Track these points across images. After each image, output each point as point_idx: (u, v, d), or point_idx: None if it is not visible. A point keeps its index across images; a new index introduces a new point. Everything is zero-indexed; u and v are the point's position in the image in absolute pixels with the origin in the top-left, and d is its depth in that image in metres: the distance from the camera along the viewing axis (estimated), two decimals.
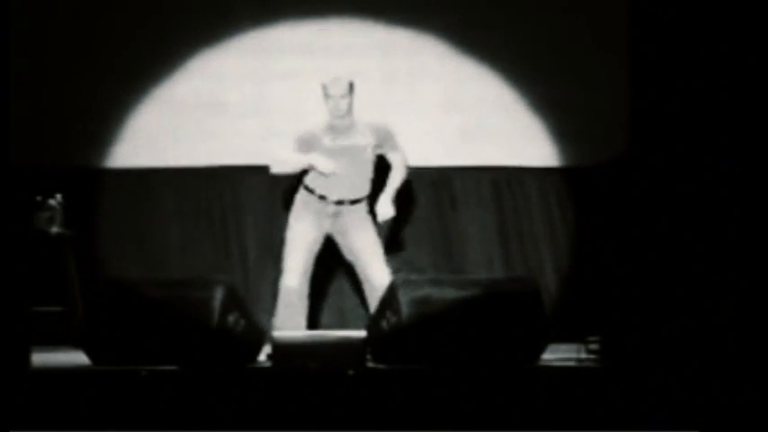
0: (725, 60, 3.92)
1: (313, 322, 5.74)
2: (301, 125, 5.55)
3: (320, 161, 5.30)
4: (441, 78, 6.43)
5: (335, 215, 5.38)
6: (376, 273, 5.29)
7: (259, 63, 6.38)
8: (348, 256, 5.47)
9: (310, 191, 5.40)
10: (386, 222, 5.47)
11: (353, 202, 5.40)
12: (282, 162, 5.42)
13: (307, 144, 5.40)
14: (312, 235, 5.38)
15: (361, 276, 5.41)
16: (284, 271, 5.36)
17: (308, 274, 5.37)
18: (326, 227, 5.41)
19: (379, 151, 5.47)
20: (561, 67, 6.35)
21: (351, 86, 5.38)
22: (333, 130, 5.38)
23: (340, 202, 5.38)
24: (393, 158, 5.50)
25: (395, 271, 5.46)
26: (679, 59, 3.99)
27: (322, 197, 5.38)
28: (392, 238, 6.16)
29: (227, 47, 6.37)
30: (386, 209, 5.39)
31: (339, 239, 5.45)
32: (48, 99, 6.19)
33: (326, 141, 5.37)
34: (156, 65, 6.32)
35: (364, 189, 5.44)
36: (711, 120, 3.93)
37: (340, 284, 6.30)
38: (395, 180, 5.47)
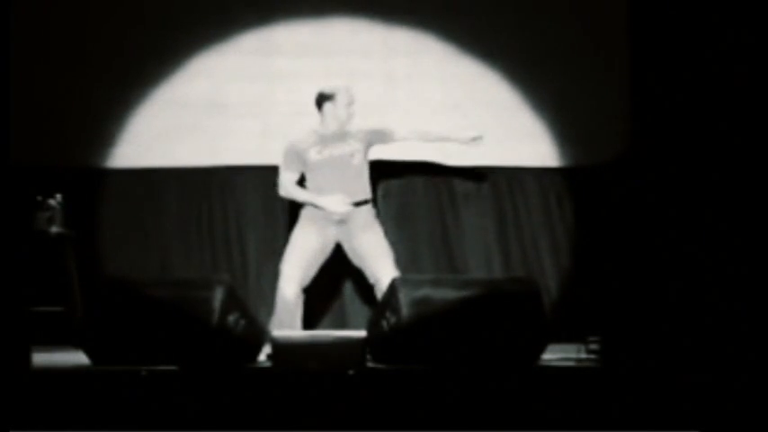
0: (725, 60, 3.92)
1: (313, 323, 5.73)
2: (301, 125, 5.55)
3: (330, 204, 5.31)
4: (441, 79, 6.43)
5: (341, 222, 5.36)
6: (386, 274, 5.16)
7: (259, 63, 6.38)
8: (355, 260, 5.42)
9: (314, 205, 5.38)
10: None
11: (357, 204, 5.38)
12: (292, 196, 5.46)
13: (298, 157, 5.40)
14: (316, 244, 5.35)
15: (372, 279, 5.36)
16: (281, 278, 5.33)
17: (306, 282, 5.35)
18: (332, 235, 5.38)
19: (383, 143, 5.47)
20: (561, 67, 6.35)
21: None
22: (320, 141, 5.39)
23: None
24: (401, 133, 5.52)
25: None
26: (679, 59, 3.99)
27: None
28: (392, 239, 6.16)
29: (227, 47, 6.37)
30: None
31: (346, 245, 5.41)
32: (48, 99, 6.19)
33: (313, 155, 5.37)
34: (157, 65, 6.32)
35: (364, 192, 5.42)
36: (711, 119, 3.93)
37: (340, 285, 6.30)
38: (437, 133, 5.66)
